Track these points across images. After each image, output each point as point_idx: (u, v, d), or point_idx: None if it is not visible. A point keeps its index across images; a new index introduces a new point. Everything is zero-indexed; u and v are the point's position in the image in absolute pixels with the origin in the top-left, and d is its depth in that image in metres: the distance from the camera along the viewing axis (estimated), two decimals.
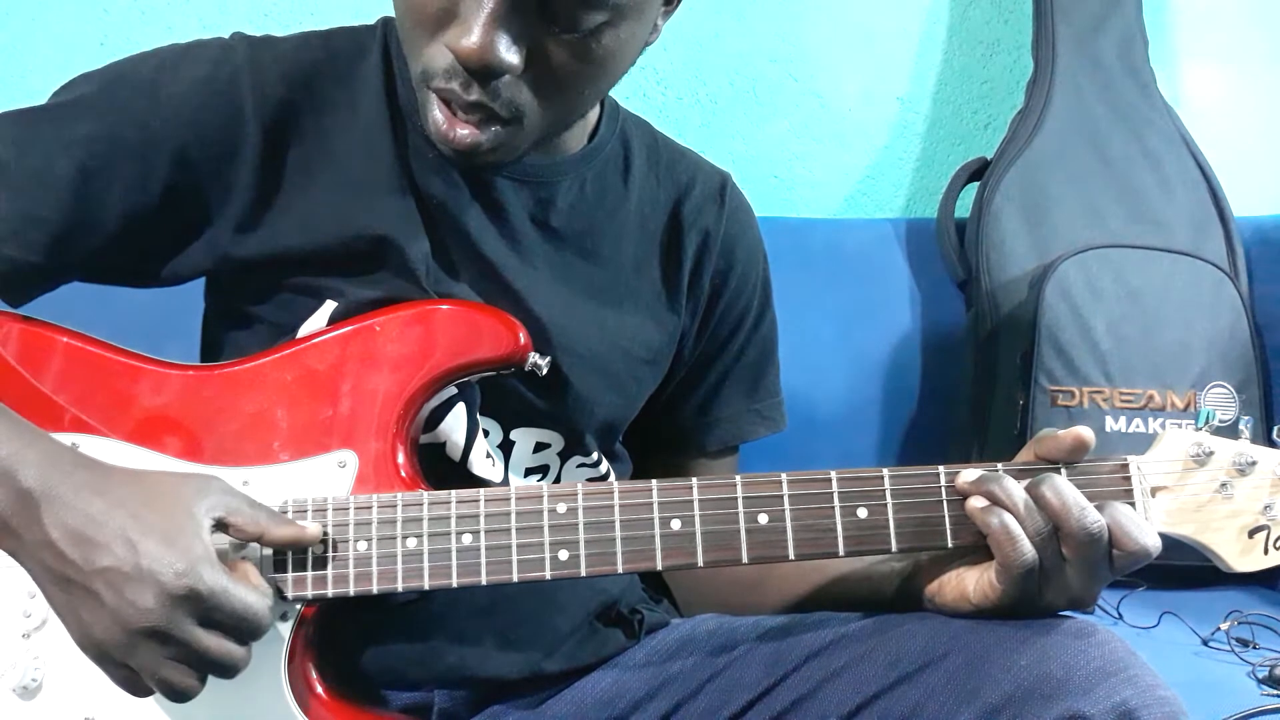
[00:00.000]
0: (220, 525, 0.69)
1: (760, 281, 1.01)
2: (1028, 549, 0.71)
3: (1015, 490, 0.72)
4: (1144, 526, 0.71)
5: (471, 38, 0.70)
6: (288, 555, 0.74)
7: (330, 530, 0.74)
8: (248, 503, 0.71)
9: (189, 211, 0.82)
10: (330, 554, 0.74)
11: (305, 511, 0.74)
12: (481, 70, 0.71)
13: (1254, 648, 1.22)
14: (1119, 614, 1.33)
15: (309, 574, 0.73)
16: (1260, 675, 1.14)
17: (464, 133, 0.75)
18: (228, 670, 0.67)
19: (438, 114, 0.75)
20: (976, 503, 0.73)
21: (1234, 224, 1.59)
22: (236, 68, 0.82)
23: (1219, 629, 1.26)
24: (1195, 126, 1.65)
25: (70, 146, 0.79)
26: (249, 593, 0.67)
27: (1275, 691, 1.10)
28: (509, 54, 0.71)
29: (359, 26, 0.89)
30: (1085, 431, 0.75)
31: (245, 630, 0.67)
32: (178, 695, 0.66)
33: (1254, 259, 1.60)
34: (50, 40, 1.53)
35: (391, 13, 0.85)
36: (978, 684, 0.70)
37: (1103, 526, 0.70)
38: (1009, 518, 0.71)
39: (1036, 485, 0.72)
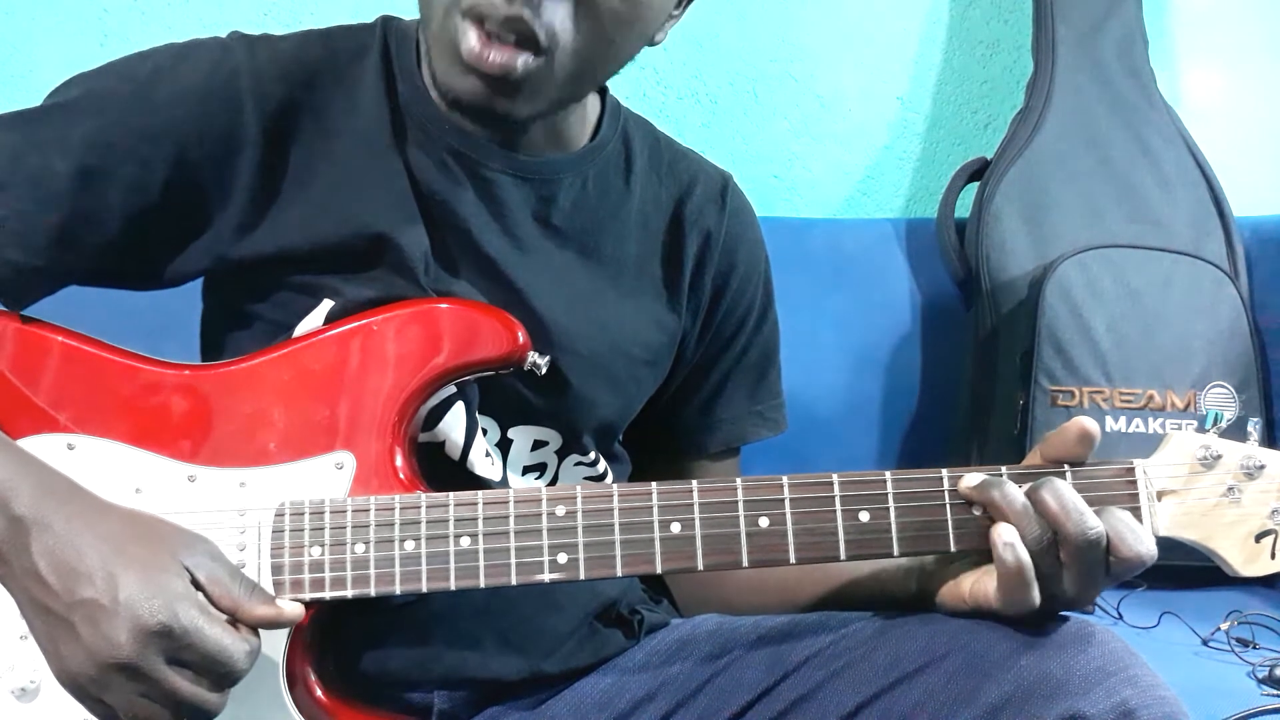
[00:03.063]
0: (195, 586, 0.67)
1: (762, 282, 1.01)
2: (1023, 554, 0.71)
3: (1014, 495, 0.72)
4: (1140, 534, 0.71)
5: None
6: (285, 558, 0.73)
7: (328, 533, 0.74)
8: (229, 573, 0.69)
9: (189, 211, 0.82)
10: (328, 556, 0.73)
11: (303, 514, 0.74)
12: None
13: (1254, 648, 1.22)
14: (1119, 614, 1.33)
15: (306, 576, 0.73)
16: (1260, 675, 1.13)
17: (496, 57, 0.75)
18: (200, 714, 0.65)
19: (472, 38, 0.75)
20: (977, 508, 0.73)
21: (1234, 224, 1.59)
22: (235, 67, 0.82)
23: (1219, 629, 1.26)
24: (1195, 126, 1.64)
25: (69, 148, 0.78)
26: (225, 635, 0.65)
27: (1275, 691, 1.09)
28: None
29: (358, 25, 0.89)
30: (1089, 422, 0.74)
31: (218, 674, 0.65)
32: None
33: (1254, 259, 1.59)
34: (50, 40, 1.53)
35: (391, 12, 0.85)
36: (978, 684, 0.70)
37: (1100, 533, 0.70)
38: (1006, 523, 0.71)
39: (1036, 489, 0.72)
